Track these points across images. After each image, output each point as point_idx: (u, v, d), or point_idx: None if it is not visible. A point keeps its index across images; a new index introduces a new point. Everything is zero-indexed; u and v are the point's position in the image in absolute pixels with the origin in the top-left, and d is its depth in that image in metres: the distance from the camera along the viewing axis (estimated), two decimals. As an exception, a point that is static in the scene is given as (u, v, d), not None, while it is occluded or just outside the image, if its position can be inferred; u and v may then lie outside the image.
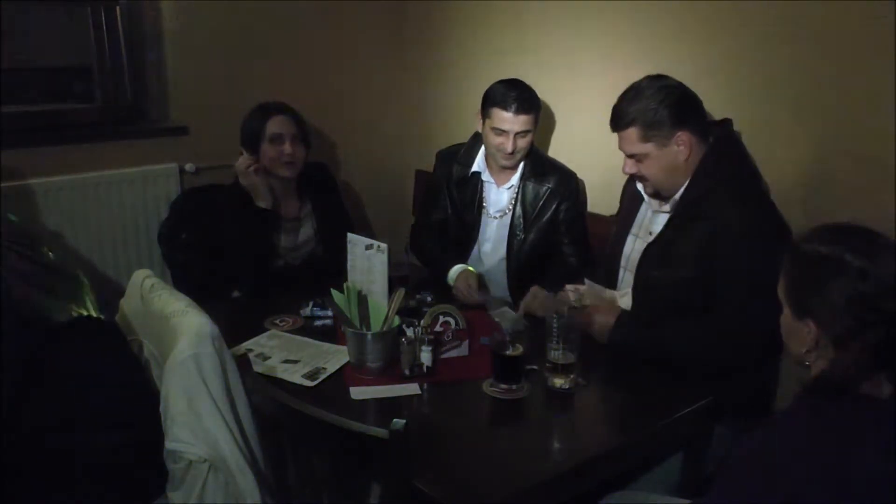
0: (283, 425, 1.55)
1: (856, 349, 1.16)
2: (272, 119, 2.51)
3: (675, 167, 1.92)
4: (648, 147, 1.91)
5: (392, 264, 1.86)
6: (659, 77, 1.96)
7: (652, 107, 1.89)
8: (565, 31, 2.73)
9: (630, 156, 1.97)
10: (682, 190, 1.95)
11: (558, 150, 2.76)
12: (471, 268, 2.42)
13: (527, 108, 2.37)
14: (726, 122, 2.02)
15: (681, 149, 1.91)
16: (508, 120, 2.36)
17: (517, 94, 2.36)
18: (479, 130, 2.48)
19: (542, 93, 2.68)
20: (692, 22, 2.32)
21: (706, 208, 1.88)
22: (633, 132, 1.92)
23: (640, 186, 2.07)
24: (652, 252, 2.02)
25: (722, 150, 1.95)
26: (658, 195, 2.02)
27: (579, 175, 2.58)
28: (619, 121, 1.95)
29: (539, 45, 2.82)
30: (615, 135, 2.01)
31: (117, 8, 2.78)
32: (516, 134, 2.37)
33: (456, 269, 2.41)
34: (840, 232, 1.24)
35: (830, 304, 1.19)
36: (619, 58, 2.53)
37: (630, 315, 2.00)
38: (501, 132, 2.38)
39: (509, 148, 2.38)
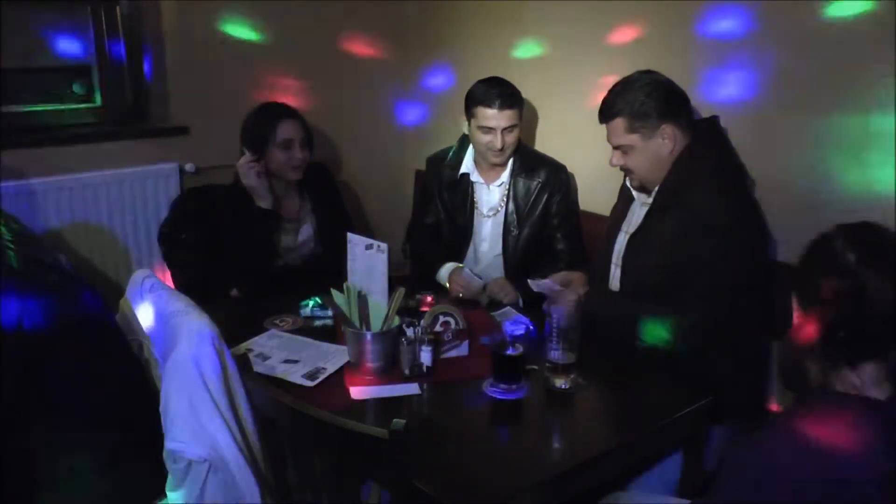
0: (283, 425, 1.55)
1: (822, 339, 1.17)
2: (282, 124, 2.51)
3: (660, 160, 1.96)
4: (634, 138, 1.96)
5: (392, 264, 1.86)
6: (648, 72, 2.01)
7: (639, 99, 1.94)
8: (565, 31, 2.73)
9: (616, 147, 2.01)
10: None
11: (557, 149, 2.75)
12: (460, 265, 2.44)
13: (510, 103, 2.38)
14: (713, 119, 2.05)
15: (665, 142, 1.94)
16: (494, 117, 2.37)
17: (500, 91, 2.38)
18: (466, 132, 2.50)
19: (542, 92, 2.69)
20: (691, 21, 2.32)
21: (682, 199, 1.92)
22: (619, 123, 1.97)
23: (627, 181, 2.10)
24: (633, 243, 2.06)
25: (703, 143, 1.97)
26: (644, 188, 2.06)
27: (576, 174, 2.58)
28: (606, 112, 2.00)
29: (539, 44, 2.82)
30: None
31: (117, 8, 2.78)
32: (503, 129, 2.39)
33: (447, 268, 2.42)
34: (848, 228, 1.25)
35: (812, 290, 1.21)
36: (619, 57, 2.53)
37: (592, 291, 2.06)
38: (489, 130, 2.39)
39: (498, 144, 2.39)
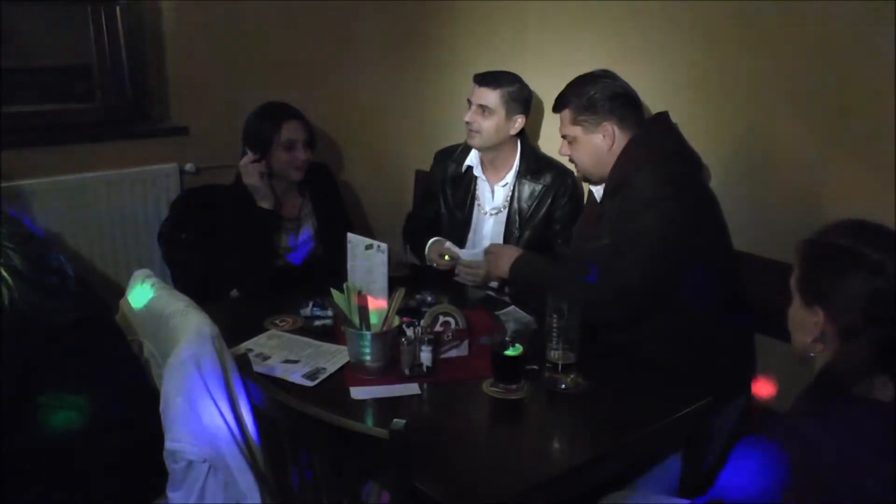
0: (283, 425, 1.55)
1: (861, 344, 1.15)
2: (286, 125, 2.51)
3: (599, 155, 2.06)
4: (577, 130, 2.07)
5: (392, 264, 1.86)
6: (607, 72, 2.11)
7: (588, 94, 2.04)
8: (565, 31, 2.72)
9: (563, 137, 2.12)
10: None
11: (553, 147, 2.76)
12: (440, 238, 2.50)
13: (488, 82, 2.44)
14: (661, 114, 2.11)
15: (605, 139, 2.04)
16: (473, 91, 2.45)
17: (488, 71, 2.47)
18: None
19: (542, 93, 2.68)
20: (693, 22, 2.32)
21: (624, 184, 2.00)
22: (566, 114, 2.09)
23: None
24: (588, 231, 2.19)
25: (647, 135, 2.05)
26: (587, 180, 2.19)
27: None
28: (557, 102, 2.12)
29: (539, 45, 2.82)
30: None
31: (117, 8, 2.78)
32: (478, 107, 2.43)
33: (428, 243, 2.49)
34: (859, 227, 1.24)
35: (843, 295, 1.18)
36: (620, 58, 2.53)
37: (531, 254, 2.22)
38: (468, 103, 2.47)
39: (466, 117, 2.45)
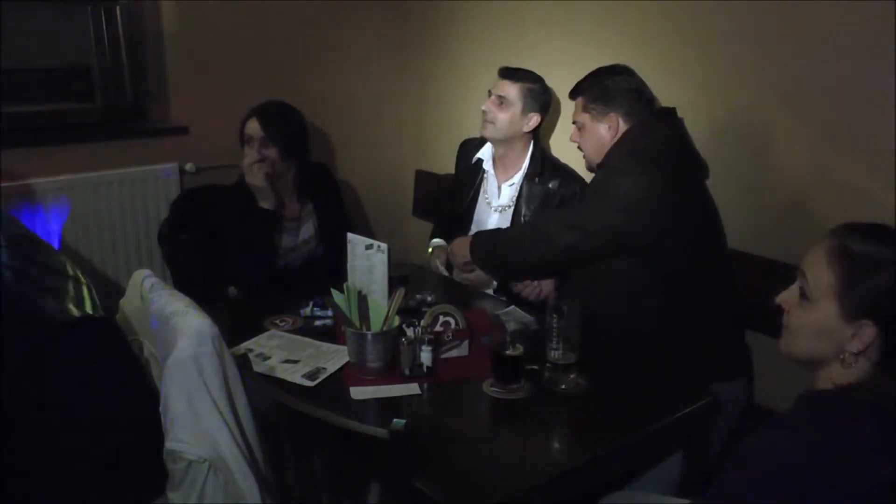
0: (283, 425, 1.55)
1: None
2: (248, 121, 2.52)
3: (602, 144, 2.13)
4: (586, 118, 2.15)
5: (392, 264, 1.86)
6: (625, 67, 2.17)
7: (601, 84, 2.12)
8: (565, 31, 2.73)
9: (574, 123, 2.20)
10: None
11: (559, 149, 2.76)
12: (443, 244, 2.55)
13: (511, 75, 2.49)
14: (664, 109, 2.16)
15: (609, 130, 2.11)
16: (495, 82, 2.51)
17: (510, 66, 2.52)
18: None
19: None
20: (693, 22, 2.32)
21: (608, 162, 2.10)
22: (579, 101, 2.17)
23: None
24: None
25: (643, 128, 2.10)
26: (591, 169, 2.24)
27: (586, 178, 2.58)
28: (573, 90, 2.20)
29: (539, 44, 2.82)
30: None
31: (117, 8, 2.78)
32: (497, 97, 2.48)
33: (431, 245, 2.58)
34: (883, 232, 1.21)
35: (868, 298, 1.16)
36: (620, 58, 2.53)
37: (482, 230, 2.41)
38: (489, 94, 2.52)
39: (483, 105, 2.50)
